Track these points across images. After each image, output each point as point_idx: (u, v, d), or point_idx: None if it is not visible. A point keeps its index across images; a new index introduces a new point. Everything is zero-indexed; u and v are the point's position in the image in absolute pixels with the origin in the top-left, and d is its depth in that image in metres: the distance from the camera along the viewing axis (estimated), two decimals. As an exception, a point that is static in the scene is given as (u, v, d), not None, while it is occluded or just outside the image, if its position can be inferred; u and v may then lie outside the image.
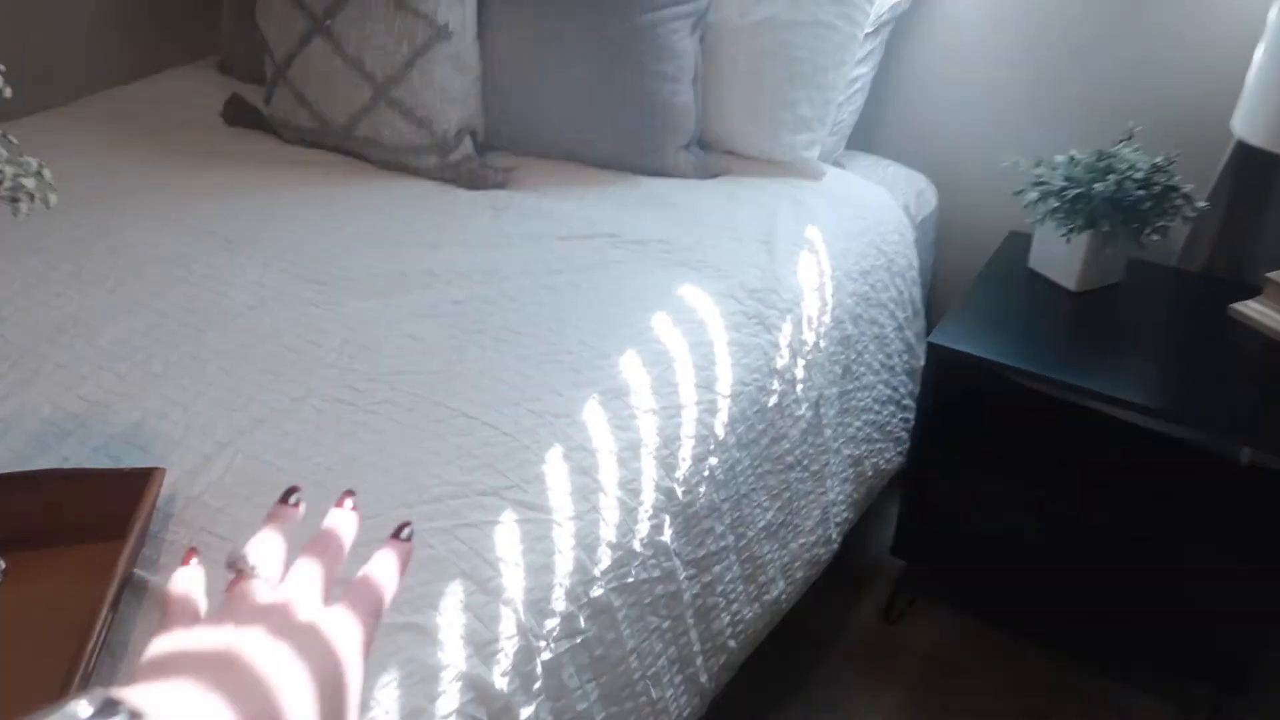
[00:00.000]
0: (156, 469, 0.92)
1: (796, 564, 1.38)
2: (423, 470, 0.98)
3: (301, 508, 0.49)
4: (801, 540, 1.39)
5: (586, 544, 0.98)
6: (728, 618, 1.22)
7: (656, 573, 1.07)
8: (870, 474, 1.57)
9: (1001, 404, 1.70)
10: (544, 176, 1.64)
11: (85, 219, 1.47)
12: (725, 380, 1.22)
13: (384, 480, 0.97)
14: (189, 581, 0.44)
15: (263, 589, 0.42)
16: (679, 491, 1.11)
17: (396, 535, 0.50)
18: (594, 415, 1.09)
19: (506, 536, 0.93)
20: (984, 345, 1.47)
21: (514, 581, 0.91)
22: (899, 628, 1.76)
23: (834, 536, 1.47)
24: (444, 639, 0.84)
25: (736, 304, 1.32)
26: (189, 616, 0.41)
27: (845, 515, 1.50)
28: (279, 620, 0.40)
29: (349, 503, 0.50)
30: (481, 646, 0.86)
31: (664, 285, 1.32)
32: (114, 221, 1.46)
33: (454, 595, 0.87)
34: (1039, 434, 1.65)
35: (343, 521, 0.48)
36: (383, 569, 0.46)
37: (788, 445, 1.33)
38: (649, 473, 1.08)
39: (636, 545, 1.04)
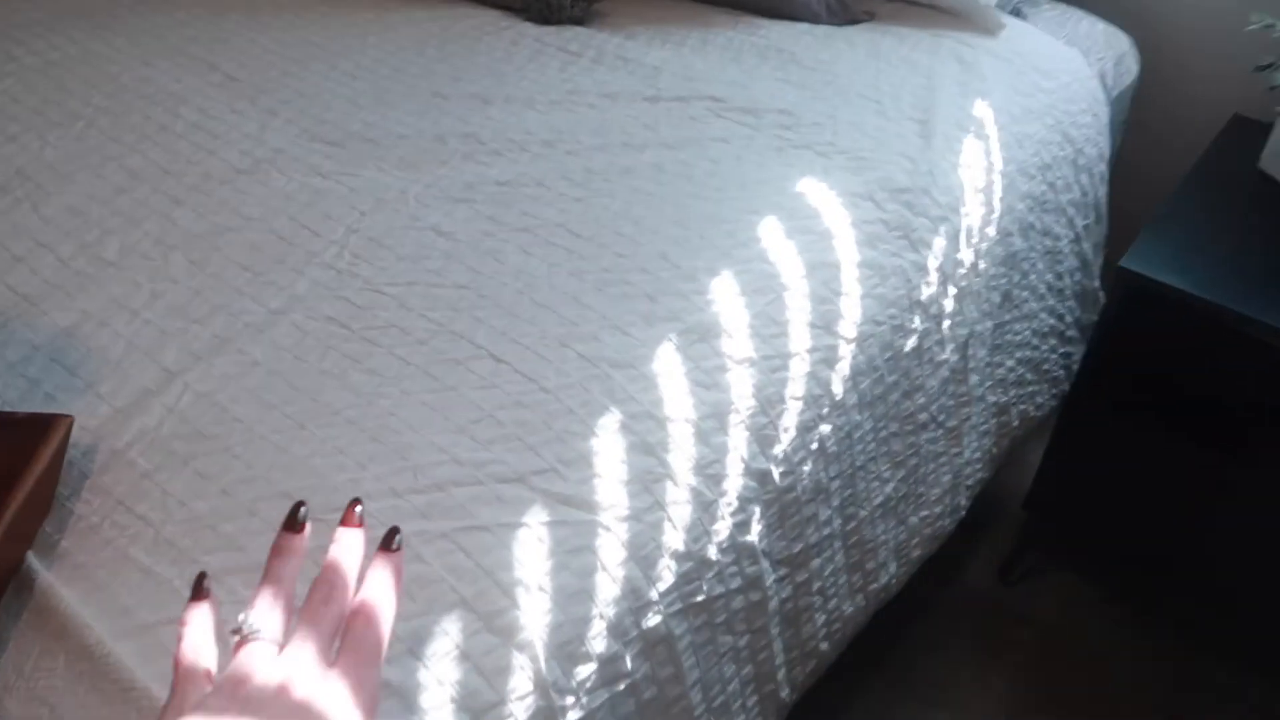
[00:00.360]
0: (59, 418, 0.66)
1: (914, 541, 1.10)
2: (424, 439, 0.71)
3: (308, 529, 0.49)
4: (924, 513, 1.10)
5: (644, 556, 0.71)
6: (823, 618, 0.96)
7: (736, 582, 0.80)
8: (1016, 424, 1.25)
9: (1190, 342, 1.34)
10: (634, 11, 1.28)
11: (66, 41, 1.19)
12: (851, 318, 0.90)
13: (370, 451, 0.70)
14: (198, 635, 0.46)
15: (267, 654, 0.43)
16: (776, 474, 0.82)
17: (385, 546, 0.50)
18: (669, 366, 0.79)
19: (531, 547, 0.67)
20: (1193, 277, 1.11)
21: (535, 615, 0.64)
22: (1017, 591, 1.48)
23: (963, 504, 1.18)
24: (428, 704, 0.59)
25: (875, 209, 0.98)
26: (200, 681, 0.44)
27: (979, 476, 1.20)
28: (287, 696, 0.42)
29: (357, 511, 0.50)
30: (481, 713, 0.61)
31: (780, 176, 0.99)
32: (100, 45, 1.18)
33: (448, 637, 0.61)
34: (1233, 386, 1.29)
35: (347, 550, 0.49)
36: (376, 599, 0.47)
37: (922, 400, 1.02)
38: (738, 450, 0.79)
39: (712, 552, 0.76)
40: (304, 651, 0.44)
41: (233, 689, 0.42)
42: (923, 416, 1.03)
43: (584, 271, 0.85)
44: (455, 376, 0.75)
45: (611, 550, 0.69)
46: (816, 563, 0.92)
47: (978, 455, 1.18)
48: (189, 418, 0.72)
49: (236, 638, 0.44)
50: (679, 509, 0.74)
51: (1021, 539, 1.49)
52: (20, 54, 1.15)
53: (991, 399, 1.17)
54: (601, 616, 0.68)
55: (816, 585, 0.93)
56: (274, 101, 1.08)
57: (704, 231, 0.91)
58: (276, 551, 0.48)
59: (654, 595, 0.71)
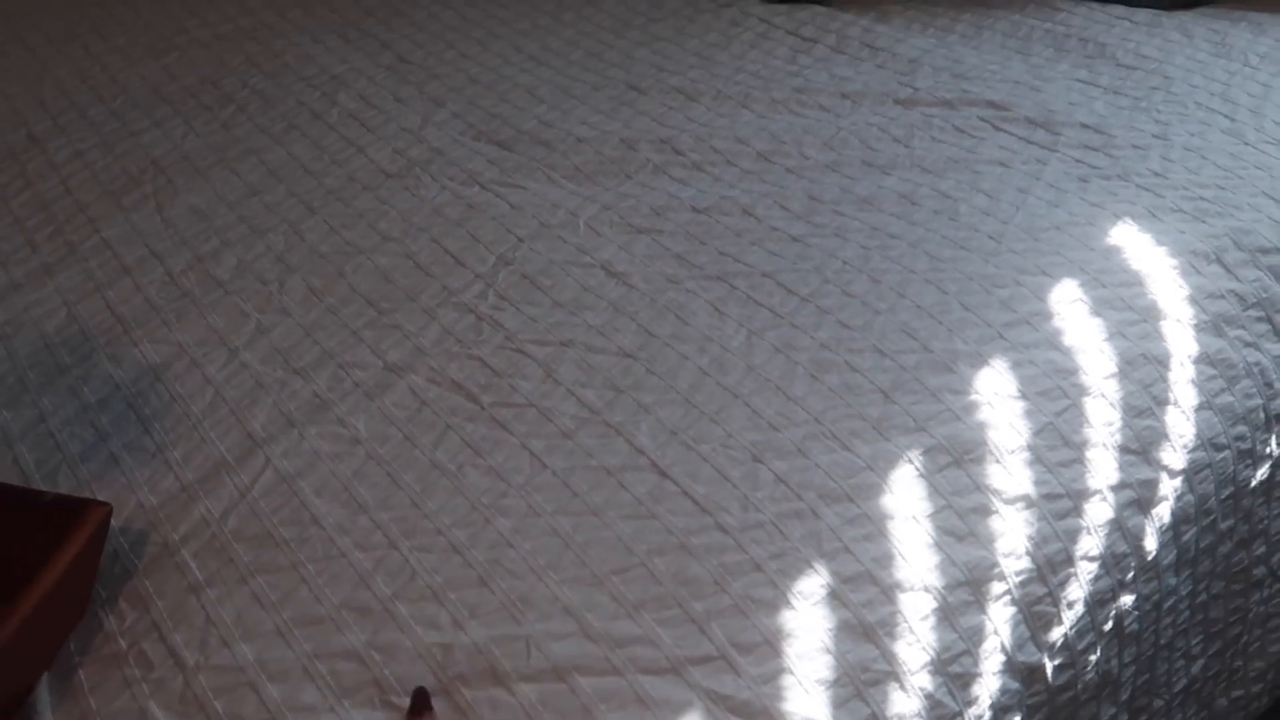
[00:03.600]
0: (92, 508, 0.51)
1: (1218, 729, 0.80)
2: (546, 591, 0.51)
3: None
4: (1238, 693, 0.79)
5: (842, 800, 0.48)
6: (1083, 841, 0.69)
7: (973, 823, 0.55)
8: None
9: None
10: (890, -13, 1.02)
11: (240, 12, 1.08)
12: (1181, 440, 0.63)
13: (473, 600, 0.50)
14: None
15: None
16: (1050, 669, 0.56)
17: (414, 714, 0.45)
18: (906, 503, 0.55)
19: (678, 781, 0.45)
20: None
21: None
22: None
23: (1291, 677, 0.86)
24: None
25: (1224, 275, 0.69)
26: None
27: (1317, 640, 0.87)
28: None
29: None
30: None
31: (1084, 220, 0.72)
32: (273, 17, 1.06)
33: None
34: None
35: None
36: None
37: (1261, 550, 0.72)
38: (999, 636, 0.54)
39: (946, 788, 0.52)
40: None
41: None
42: (1258, 572, 0.73)
43: (795, 347, 0.62)
44: (602, 495, 0.55)
45: (796, 791, 0.47)
46: (1086, 775, 0.65)
47: (1320, 614, 0.85)
48: (260, 510, 0.56)
49: None
50: (903, 727, 0.50)
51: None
52: (192, 25, 1.05)
53: (1351, 539, 0.84)
54: None
55: (1081, 803, 0.66)
56: (442, 89, 0.92)
57: (969, 299, 0.65)
58: None
59: None
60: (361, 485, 0.57)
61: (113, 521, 0.55)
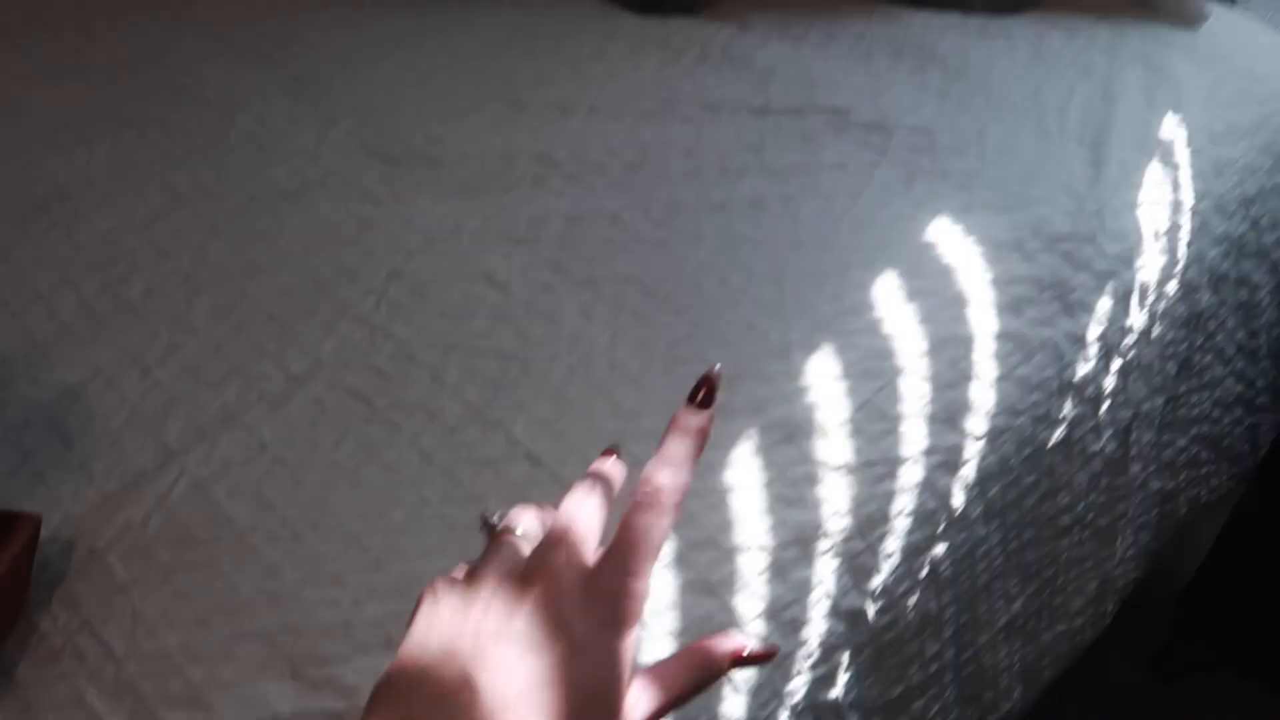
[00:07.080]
0: (22, 520, 0.58)
1: (1046, 660, 0.91)
2: (432, 570, 0.58)
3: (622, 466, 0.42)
4: (1061, 628, 0.91)
5: (691, 729, 0.57)
6: (924, 757, 0.80)
7: (812, 744, 0.65)
8: (1184, 512, 1.04)
9: None
10: None
11: (138, 35, 1.11)
12: (983, 409, 0.73)
13: (370, 583, 0.58)
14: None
15: (519, 552, 0.38)
16: (871, 612, 0.67)
17: (692, 398, 0.38)
18: (743, 476, 0.65)
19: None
20: None
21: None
22: (1175, 692, 1.26)
23: (1110, 609, 0.98)
24: None
25: (1023, 262, 0.79)
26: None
27: (1132, 576, 1.00)
28: (529, 603, 0.34)
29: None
30: None
31: (906, 217, 0.82)
32: (171, 40, 1.10)
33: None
34: None
35: (613, 467, 0.41)
36: (666, 476, 0.37)
37: (1067, 500, 0.83)
38: (824, 586, 0.64)
39: (784, 718, 0.62)
40: (558, 552, 0.36)
41: (474, 582, 0.36)
42: (1066, 519, 0.84)
43: (652, 343, 0.71)
44: (482, 482, 0.63)
45: (651, 723, 0.56)
46: (919, 704, 0.76)
47: (1132, 554, 0.98)
48: (178, 515, 0.63)
49: (486, 533, 0.40)
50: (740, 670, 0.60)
51: (1179, 625, 1.28)
52: (91, 52, 1.08)
53: (1156, 485, 0.97)
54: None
55: (917, 724, 0.77)
56: (336, 108, 0.97)
57: (803, 293, 0.75)
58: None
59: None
60: (268, 486, 0.64)
61: (42, 532, 0.62)
